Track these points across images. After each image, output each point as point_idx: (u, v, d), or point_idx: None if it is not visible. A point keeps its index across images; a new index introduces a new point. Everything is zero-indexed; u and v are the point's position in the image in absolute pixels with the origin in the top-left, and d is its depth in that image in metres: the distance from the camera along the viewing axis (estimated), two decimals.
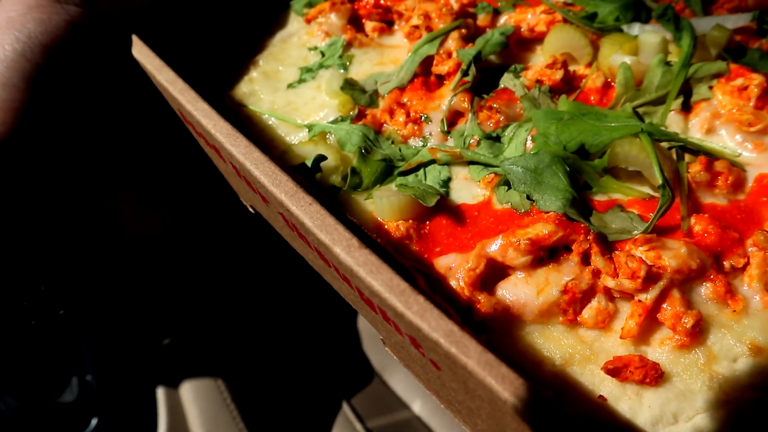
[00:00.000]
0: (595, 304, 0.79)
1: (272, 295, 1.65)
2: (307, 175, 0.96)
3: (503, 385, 0.59)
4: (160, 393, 1.49)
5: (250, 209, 1.12)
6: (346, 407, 1.46)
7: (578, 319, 0.79)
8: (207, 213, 1.51)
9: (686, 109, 0.99)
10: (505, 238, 0.81)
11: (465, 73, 1.03)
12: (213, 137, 0.88)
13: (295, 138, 1.06)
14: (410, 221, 0.88)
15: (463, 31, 1.10)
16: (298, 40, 1.23)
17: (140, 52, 1.04)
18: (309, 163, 0.96)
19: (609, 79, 1.04)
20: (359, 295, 0.76)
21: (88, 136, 1.15)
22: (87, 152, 1.16)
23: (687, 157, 0.92)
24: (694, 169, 0.89)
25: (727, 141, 0.95)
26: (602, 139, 0.89)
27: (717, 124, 0.96)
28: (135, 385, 1.52)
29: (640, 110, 1.00)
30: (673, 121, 0.97)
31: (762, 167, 0.91)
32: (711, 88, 0.99)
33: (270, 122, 1.10)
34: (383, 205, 0.89)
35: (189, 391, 1.47)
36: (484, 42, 1.07)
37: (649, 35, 1.02)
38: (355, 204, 0.95)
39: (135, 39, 1.05)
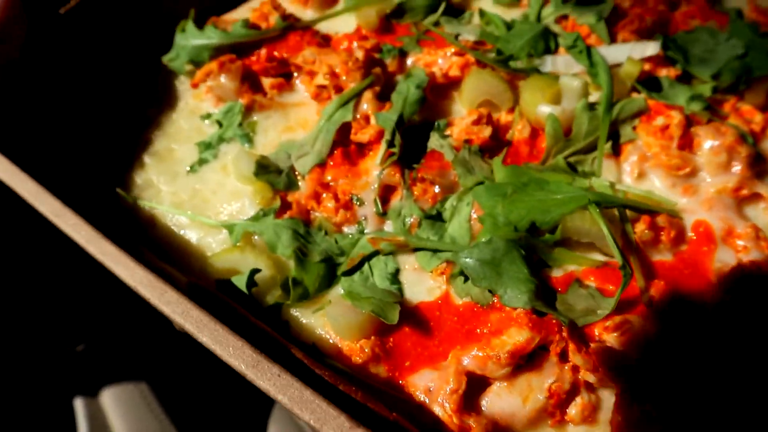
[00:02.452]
0: (580, 400, 0.78)
1: None
2: (239, 294, 0.86)
3: None
4: (79, 403, 1.34)
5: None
6: None
7: (565, 417, 0.78)
8: None
9: (616, 152, 0.99)
10: (482, 350, 0.77)
11: (390, 144, 0.95)
12: (135, 289, 0.75)
13: (212, 241, 0.94)
14: (373, 338, 0.82)
15: (376, 89, 1.00)
16: (186, 105, 1.08)
17: None
18: (242, 280, 0.85)
19: (534, 126, 1.01)
20: None
21: None
22: None
23: (628, 212, 0.91)
24: (640, 229, 0.89)
25: (659, 186, 0.95)
26: (553, 216, 0.86)
27: (646, 167, 0.96)
28: (50, 398, 1.36)
29: (571, 159, 0.98)
30: (606, 168, 0.97)
31: (696, 213, 0.93)
32: (634, 128, 0.99)
33: (176, 220, 0.96)
34: (340, 326, 0.81)
35: (110, 399, 1.33)
36: (402, 101, 0.99)
37: (570, 80, 0.99)
38: (304, 318, 0.86)
39: None
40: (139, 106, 1.08)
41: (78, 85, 1.06)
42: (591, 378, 0.77)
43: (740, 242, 0.89)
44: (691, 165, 0.94)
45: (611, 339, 0.79)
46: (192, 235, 0.95)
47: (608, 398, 0.78)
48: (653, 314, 0.82)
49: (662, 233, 0.89)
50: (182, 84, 1.10)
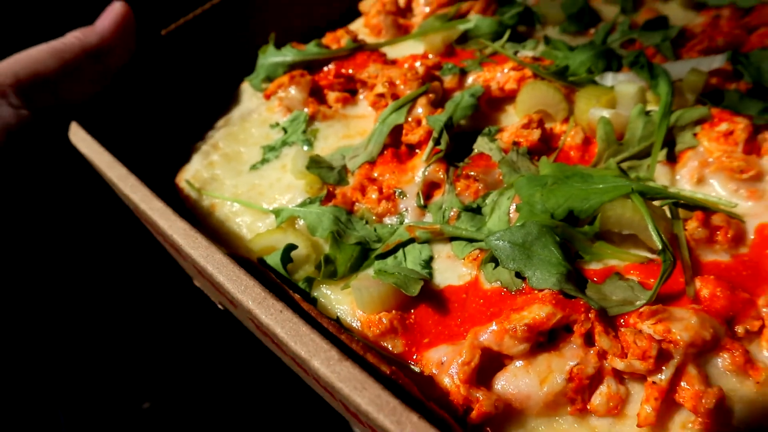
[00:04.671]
0: (605, 389, 0.71)
1: (251, 353, 1.55)
2: (277, 268, 0.89)
3: None
4: None
5: (219, 306, 1.04)
6: None
7: (588, 407, 0.71)
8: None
9: (672, 159, 0.94)
10: (500, 325, 0.74)
11: (437, 142, 0.97)
12: (171, 239, 0.81)
13: (261, 225, 0.99)
14: (393, 312, 0.81)
15: (430, 96, 1.04)
16: (258, 117, 1.17)
17: (89, 147, 0.97)
18: (279, 255, 0.89)
19: (588, 135, 0.99)
20: (344, 408, 0.68)
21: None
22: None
23: (681, 212, 0.86)
24: (691, 226, 0.83)
25: (720, 191, 0.89)
26: (591, 204, 0.82)
27: (706, 173, 0.91)
28: None
29: (624, 165, 0.94)
30: (660, 174, 0.92)
31: (761, 216, 0.85)
32: (695, 135, 0.94)
33: (233, 209, 1.02)
34: (363, 297, 0.81)
35: None
36: (454, 106, 1.02)
37: (626, 85, 0.98)
38: (333, 295, 0.87)
39: (77, 129, 0.99)
40: (214, 116, 1.19)
41: (165, 95, 1.19)
42: (620, 365, 0.71)
43: None
44: (756, 168, 0.88)
45: (645, 326, 0.73)
46: (244, 221, 1.00)
47: (638, 391, 0.71)
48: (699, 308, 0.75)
49: (718, 232, 0.83)
50: (258, 98, 1.20)
